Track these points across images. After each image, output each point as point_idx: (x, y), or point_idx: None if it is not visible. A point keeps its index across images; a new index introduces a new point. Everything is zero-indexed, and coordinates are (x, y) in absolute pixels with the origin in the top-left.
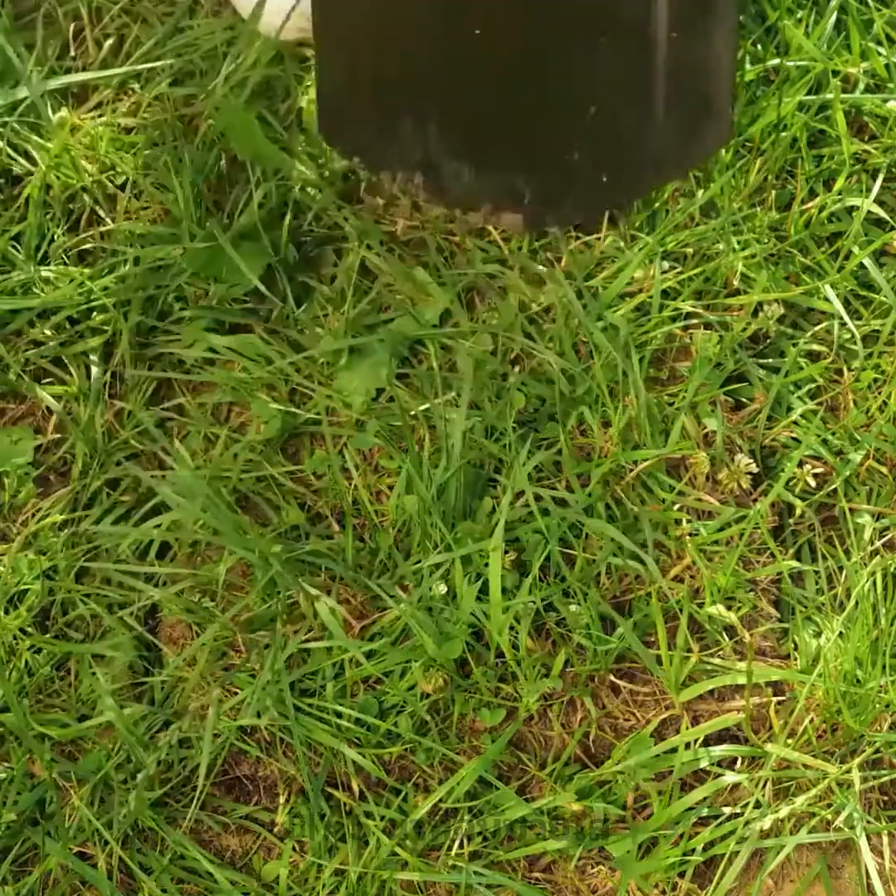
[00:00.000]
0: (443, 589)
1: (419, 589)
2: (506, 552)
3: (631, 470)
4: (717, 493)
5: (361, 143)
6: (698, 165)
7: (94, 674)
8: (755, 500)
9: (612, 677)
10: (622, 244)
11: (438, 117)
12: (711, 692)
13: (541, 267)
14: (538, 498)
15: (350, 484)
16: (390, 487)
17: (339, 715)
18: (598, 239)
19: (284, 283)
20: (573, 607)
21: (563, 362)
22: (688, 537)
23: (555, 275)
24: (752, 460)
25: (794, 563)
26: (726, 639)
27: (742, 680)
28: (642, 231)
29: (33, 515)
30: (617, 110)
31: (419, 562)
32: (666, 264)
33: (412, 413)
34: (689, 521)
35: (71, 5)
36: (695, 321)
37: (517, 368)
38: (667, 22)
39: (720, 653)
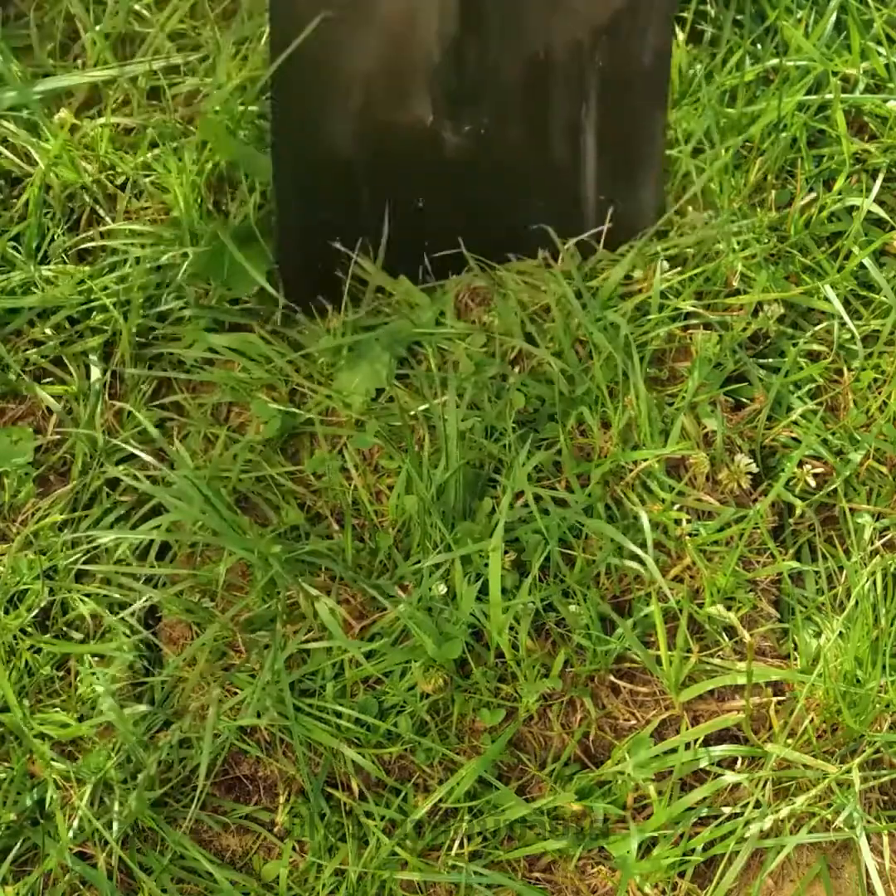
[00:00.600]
0: (442, 589)
1: (419, 589)
2: (505, 552)
3: (631, 470)
4: (716, 494)
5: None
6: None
7: (93, 674)
8: (755, 501)
9: (611, 677)
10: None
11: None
12: (711, 692)
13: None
14: (538, 498)
15: (350, 484)
16: (390, 487)
17: (338, 715)
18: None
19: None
20: (573, 607)
21: (562, 363)
22: (687, 537)
23: (554, 275)
24: (751, 460)
25: (794, 564)
26: (726, 639)
27: (742, 680)
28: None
29: (33, 515)
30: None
31: (419, 562)
32: (666, 264)
33: (412, 413)
34: (688, 522)
35: (70, 5)
36: (695, 321)
37: (517, 369)
38: (594, 182)
39: (720, 653)
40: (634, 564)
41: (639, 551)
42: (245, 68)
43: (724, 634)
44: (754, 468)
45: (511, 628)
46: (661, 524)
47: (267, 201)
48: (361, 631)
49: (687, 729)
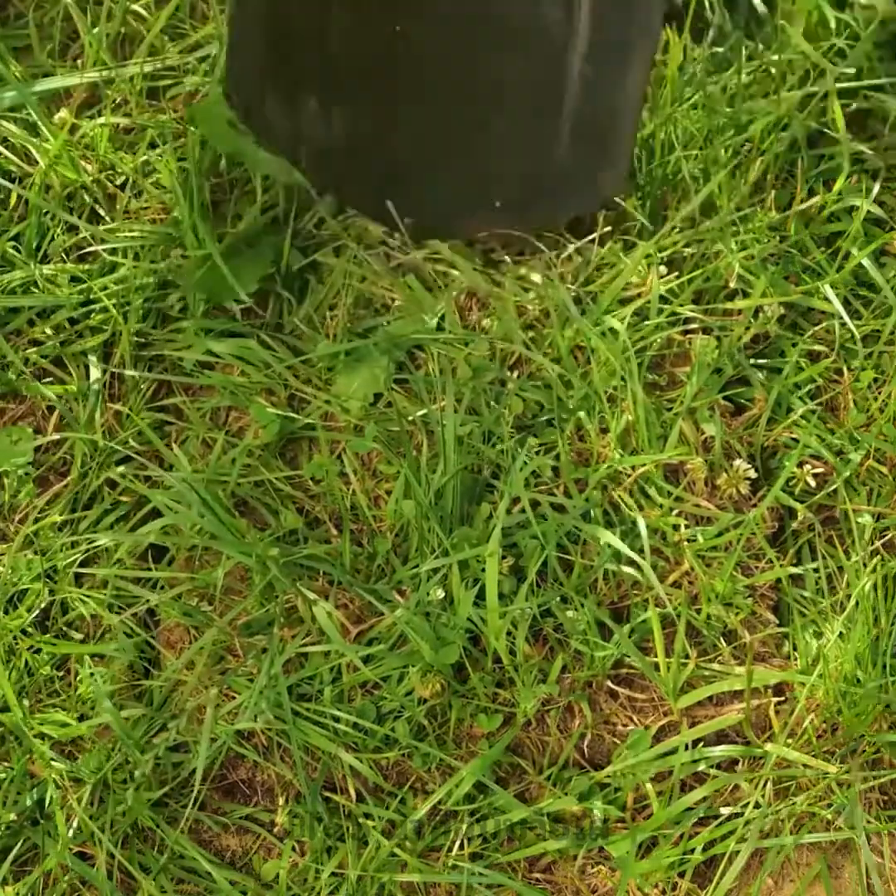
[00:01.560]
0: (440, 594)
1: (416, 594)
2: (503, 558)
3: (629, 475)
4: (715, 499)
5: (267, 123)
6: (595, 208)
7: (92, 675)
8: (754, 506)
9: (609, 683)
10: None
11: (343, 109)
12: (710, 698)
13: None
14: (535, 503)
15: (348, 489)
16: (388, 492)
17: (336, 719)
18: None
19: (285, 287)
20: (570, 613)
21: (561, 368)
22: (686, 543)
23: (551, 280)
24: (750, 465)
25: (792, 569)
26: (724, 644)
27: (740, 685)
28: (642, 235)
29: (32, 515)
30: (524, 128)
31: (417, 567)
32: (664, 269)
33: (410, 418)
34: (687, 527)
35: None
36: (694, 326)
37: (515, 374)
38: (583, 54)
39: (719, 658)
40: (632, 570)
41: (636, 557)
42: None
43: (722, 639)
44: (752, 473)
45: (508, 633)
46: (659, 530)
47: (268, 200)
48: (359, 635)
49: (687, 730)
